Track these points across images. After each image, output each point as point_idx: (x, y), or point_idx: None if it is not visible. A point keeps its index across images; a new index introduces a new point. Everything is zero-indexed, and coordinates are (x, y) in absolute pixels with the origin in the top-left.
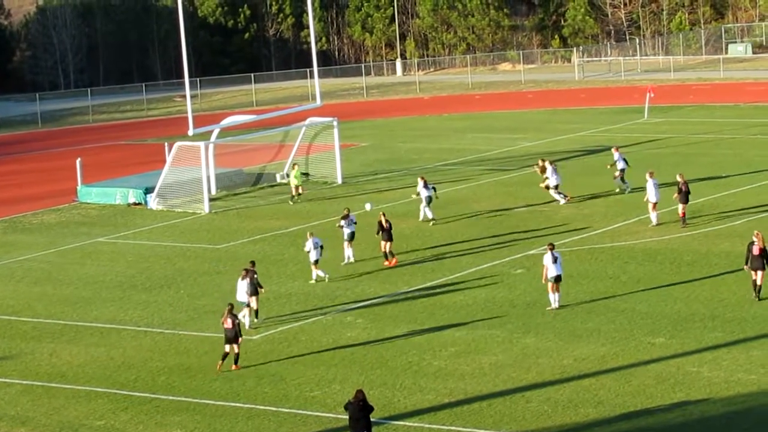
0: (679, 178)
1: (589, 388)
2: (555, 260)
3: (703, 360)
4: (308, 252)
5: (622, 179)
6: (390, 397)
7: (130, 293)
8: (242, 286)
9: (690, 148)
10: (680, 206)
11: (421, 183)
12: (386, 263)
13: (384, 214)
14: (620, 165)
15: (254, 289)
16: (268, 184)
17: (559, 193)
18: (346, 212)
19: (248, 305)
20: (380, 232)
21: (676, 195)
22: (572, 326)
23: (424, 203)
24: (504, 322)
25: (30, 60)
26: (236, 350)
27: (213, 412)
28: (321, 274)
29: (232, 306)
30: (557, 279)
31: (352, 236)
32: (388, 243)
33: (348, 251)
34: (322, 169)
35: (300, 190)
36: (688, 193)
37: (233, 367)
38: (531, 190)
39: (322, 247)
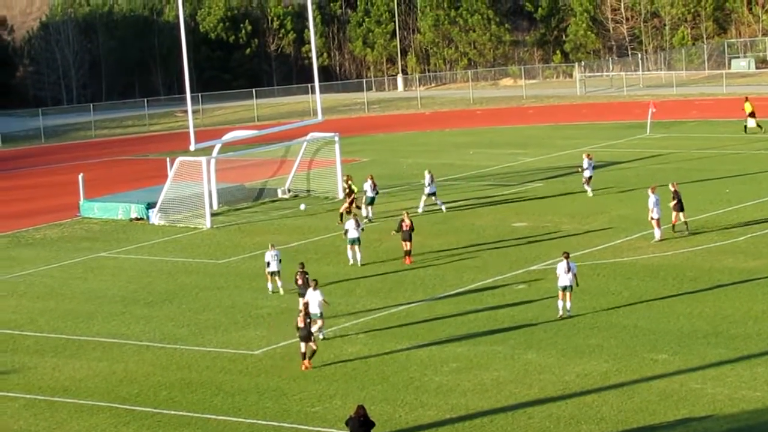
0: (671, 187)
1: (592, 404)
2: (568, 270)
3: (707, 376)
4: (267, 263)
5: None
6: (391, 412)
7: (132, 308)
8: (314, 297)
9: (692, 163)
10: (674, 214)
11: (428, 177)
12: (406, 261)
13: (407, 214)
14: (587, 173)
15: (306, 290)
16: (270, 199)
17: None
18: (354, 217)
19: (321, 316)
20: (399, 231)
21: (672, 203)
22: (574, 342)
23: (424, 196)
24: (506, 337)
25: (33, 75)
26: (313, 347)
27: (214, 427)
28: (279, 284)
29: (306, 305)
30: (567, 288)
31: (356, 241)
32: (407, 243)
33: (350, 253)
34: (324, 185)
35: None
36: (681, 200)
37: (305, 363)
38: (532, 205)
39: (280, 260)
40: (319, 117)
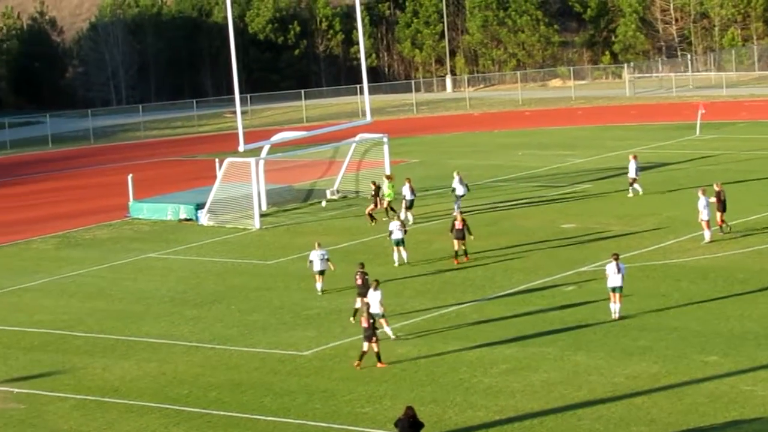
0: (716, 187)
1: (641, 406)
2: (618, 270)
3: (758, 378)
4: (311, 262)
5: (632, 185)
6: (440, 414)
7: (181, 308)
8: (375, 297)
9: (742, 164)
10: (717, 215)
11: (456, 178)
12: (455, 261)
13: (461, 213)
14: (633, 174)
15: (365, 290)
16: (318, 200)
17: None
18: (397, 218)
19: (383, 316)
20: (452, 231)
21: (715, 202)
22: (624, 344)
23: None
24: (555, 339)
25: (82, 76)
26: (375, 349)
27: (263, 428)
28: (404, 255)
29: (369, 305)
30: (617, 289)
31: (401, 242)
32: (458, 241)
33: (395, 255)
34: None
35: (388, 205)
36: (725, 201)
37: (378, 364)
38: (581, 206)
39: (328, 259)
40: (368, 118)
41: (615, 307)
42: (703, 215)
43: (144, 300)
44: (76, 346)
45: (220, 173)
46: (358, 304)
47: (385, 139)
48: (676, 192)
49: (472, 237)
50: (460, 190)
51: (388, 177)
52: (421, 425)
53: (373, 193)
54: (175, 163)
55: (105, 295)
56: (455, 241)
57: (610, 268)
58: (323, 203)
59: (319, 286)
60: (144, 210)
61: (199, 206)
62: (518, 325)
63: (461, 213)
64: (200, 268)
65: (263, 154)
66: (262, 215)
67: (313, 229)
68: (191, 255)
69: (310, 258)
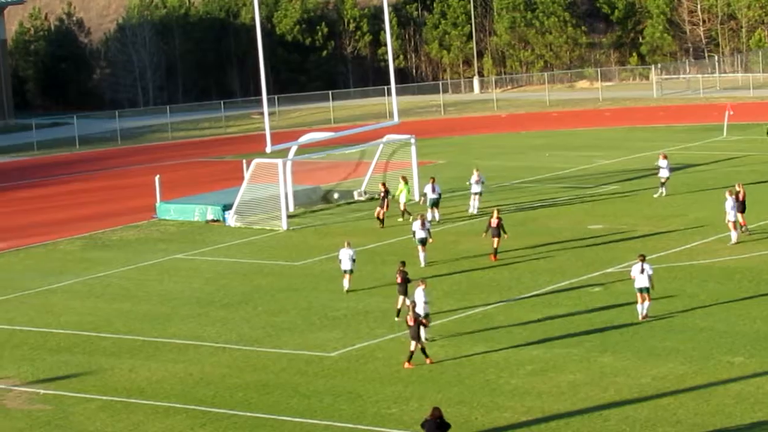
0: (738, 188)
1: (668, 407)
2: (642, 271)
3: None
4: (340, 260)
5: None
6: (467, 414)
7: (208, 310)
8: (420, 296)
9: None
10: (738, 216)
11: (475, 176)
12: (492, 258)
13: (497, 210)
14: (664, 173)
15: (405, 289)
16: (346, 202)
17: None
18: (420, 217)
19: (426, 315)
20: (488, 230)
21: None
22: (650, 345)
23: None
24: (581, 340)
25: (110, 78)
26: (420, 346)
27: (290, 429)
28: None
29: (414, 304)
30: (643, 290)
31: (423, 241)
32: (496, 239)
33: (421, 255)
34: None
35: (404, 208)
36: (743, 202)
37: (427, 360)
38: (608, 207)
39: (354, 260)
40: (395, 119)
41: (640, 307)
42: (730, 216)
43: (171, 301)
44: (103, 348)
45: (247, 174)
46: (400, 303)
47: (413, 140)
48: (702, 193)
49: (506, 236)
50: (476, 188)
51: (403, 178)
52: (447, 426)
53: (381, 194)
54: (202, 164)
55: (132, 297)
56: (493, 239)
57: (635, 269)
58: (335, 195)
59: (346, 284)
60: (171, 211)
61: (227, 207)
62: (545, 326)
63: (498, 211)
64: (227, 269)
65: (291, 155)
66: (289, 216)
67: (341, 230)
68: (218, 256)
69: (339, 256)
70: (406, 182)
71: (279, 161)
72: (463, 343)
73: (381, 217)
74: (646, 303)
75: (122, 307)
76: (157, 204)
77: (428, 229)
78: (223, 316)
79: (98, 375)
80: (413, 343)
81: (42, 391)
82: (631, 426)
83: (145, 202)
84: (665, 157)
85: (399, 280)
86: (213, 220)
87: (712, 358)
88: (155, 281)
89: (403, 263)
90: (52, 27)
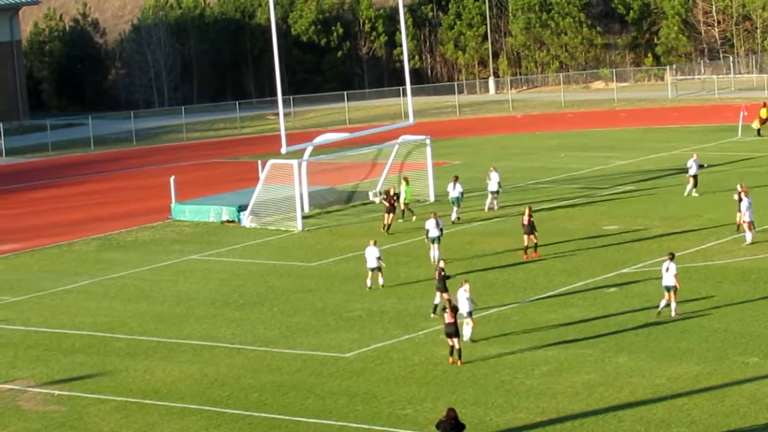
0: (739, 188)
1: (683, 407)
2: (667, 270)
3: None
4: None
5: (695, 185)
6: (482, 415)
7: (223, 310)
8: (462, 296)
9: None
10: (738, 215)
11: (494, 175)
12: (525, 257)
13: (529, 208)
14: (693, 171)
15: (444, 286)
16: (361, 202)
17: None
18: (433, 216)
19: (470, 314)
20: (522, 227)
21: (736, 202)
22: (665, 345)
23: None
24: (596, 341)
25: (125, 78)
26: (457, 345)
27: (305, 429)
28: (436, 254)
29: (451, 301)
30: (670, 288)
31: (437, 239)
32: (527, 237)
33: (432, 253)
34: (415, 188)
35: (408, 207)
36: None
37: (457, 362)
38: (624, 208)
39: (379, 258)
40: (411, 120)
41: (663, 302)
42: (746, 216)
43: (186, 302)
44: (118, 349)
45: (262, 175)
46: (438, 299)
47: (428, 141)
48: (717, 194)
49: (534, 235)
50: (493, 186)
51: (405, 179)
52: (462, 427)
53: (391, 200)
54: (217, 165)
55: (146, 297)
56: (525, 237)
57: (663, 266)
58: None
59: (369, 282)
60: (186, 212)
61: (242, 208)
62: (560, 327)
63: (530, 208)
64: (242, 270)
65: (306, 155)
66: (304, 217)
67: (356, 231)
68: (233, 257)
69: (365, 255)
70: (407, 183)
71: (294, 162)
72: (478, 344)
73: (388, 222)
74: (673, 304)
75: (137, 308)
76: (173, 205)
77: (441, 228)
78: (238, 317)
79: (113, 376)
80: (455, 340)
81: (56, 392)
82: (646, 426)
83: (160, 203)
84: (694, 157)
85: (437, 276)
86: (228, 221)
87: (727, 359)
88: (170, 282)
89: (443, 261)
90: (67, 27)
